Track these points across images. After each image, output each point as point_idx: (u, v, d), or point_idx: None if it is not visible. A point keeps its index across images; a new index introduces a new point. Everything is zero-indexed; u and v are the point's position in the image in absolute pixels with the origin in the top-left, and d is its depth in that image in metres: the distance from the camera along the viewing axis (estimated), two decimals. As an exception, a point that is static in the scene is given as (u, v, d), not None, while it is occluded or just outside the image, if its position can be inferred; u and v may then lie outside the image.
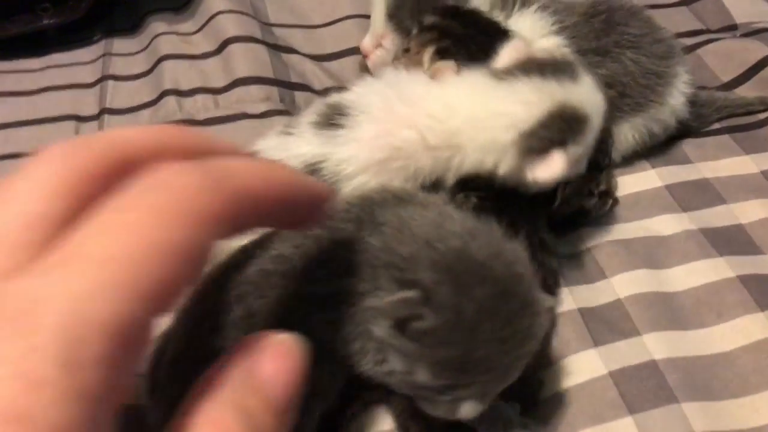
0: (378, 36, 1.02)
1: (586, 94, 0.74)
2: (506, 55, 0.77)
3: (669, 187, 0.98)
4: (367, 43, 1.06)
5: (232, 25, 1.21)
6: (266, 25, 1.26)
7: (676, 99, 0.98)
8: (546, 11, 0.96)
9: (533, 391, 0.76)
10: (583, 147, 0.74)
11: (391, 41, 1.01)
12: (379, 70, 0.93)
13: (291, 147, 0.79)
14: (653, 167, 1.00)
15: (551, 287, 0.80)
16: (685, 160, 1.02)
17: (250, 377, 0.33)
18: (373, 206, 0.58)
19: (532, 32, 0.94)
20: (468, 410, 0.55)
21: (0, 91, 1.15)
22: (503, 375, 0.53)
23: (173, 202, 0.31)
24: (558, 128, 0.71)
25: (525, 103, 0.70)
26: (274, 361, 0.33)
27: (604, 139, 0.86)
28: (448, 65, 0.79)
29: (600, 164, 0.88)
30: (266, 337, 0.34)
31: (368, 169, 0.74)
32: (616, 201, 0.91)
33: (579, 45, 0.94)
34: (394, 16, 0.99)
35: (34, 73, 1.20)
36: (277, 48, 1.21)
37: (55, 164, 0.32)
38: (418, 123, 0.73)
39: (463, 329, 0.49)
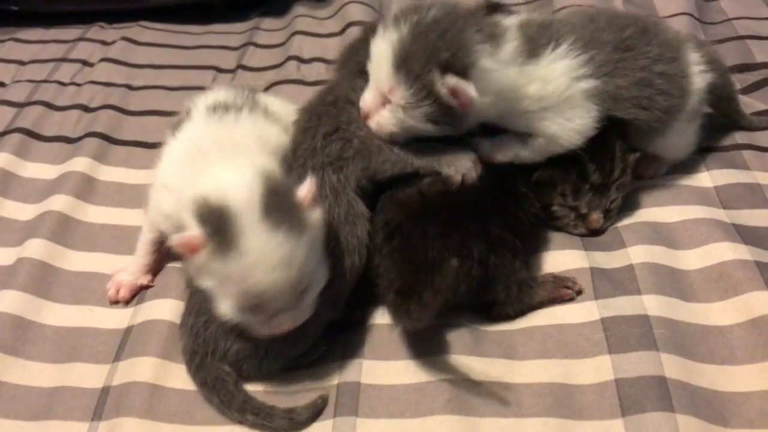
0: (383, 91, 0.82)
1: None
2: None
3: (717, 188, 1.00)
4: (368, 100, 0.83)
5: (357, 12, 1.42)
6: (388, 18, 1.46)
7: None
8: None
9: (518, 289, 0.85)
10: None
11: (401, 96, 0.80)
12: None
13: None
14: (708, 170, 1.03)
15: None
16: (743, 166, 1.04)
17: None
18: None
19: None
20: None
21: (166, 43, 1.44)
22: None
23: None
24: None
25: None
26: None
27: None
28: None
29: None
30: None
31: None
32: (594, 232, 0.94)
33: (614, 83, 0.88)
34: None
35: (196, 35, 1.47)
36: (392, 37, 1.39)
37: None
38: None
39: None
